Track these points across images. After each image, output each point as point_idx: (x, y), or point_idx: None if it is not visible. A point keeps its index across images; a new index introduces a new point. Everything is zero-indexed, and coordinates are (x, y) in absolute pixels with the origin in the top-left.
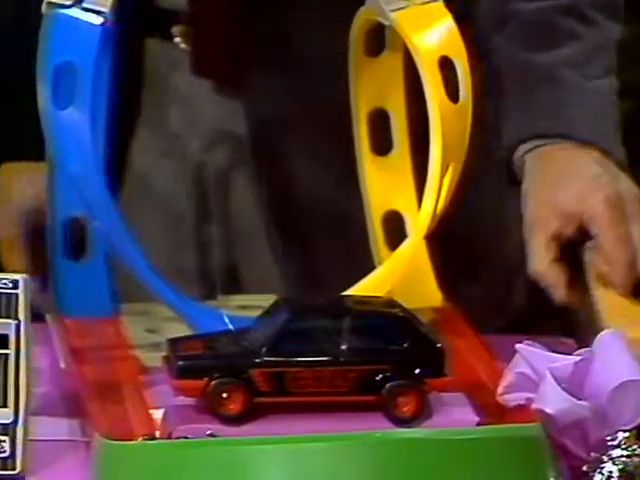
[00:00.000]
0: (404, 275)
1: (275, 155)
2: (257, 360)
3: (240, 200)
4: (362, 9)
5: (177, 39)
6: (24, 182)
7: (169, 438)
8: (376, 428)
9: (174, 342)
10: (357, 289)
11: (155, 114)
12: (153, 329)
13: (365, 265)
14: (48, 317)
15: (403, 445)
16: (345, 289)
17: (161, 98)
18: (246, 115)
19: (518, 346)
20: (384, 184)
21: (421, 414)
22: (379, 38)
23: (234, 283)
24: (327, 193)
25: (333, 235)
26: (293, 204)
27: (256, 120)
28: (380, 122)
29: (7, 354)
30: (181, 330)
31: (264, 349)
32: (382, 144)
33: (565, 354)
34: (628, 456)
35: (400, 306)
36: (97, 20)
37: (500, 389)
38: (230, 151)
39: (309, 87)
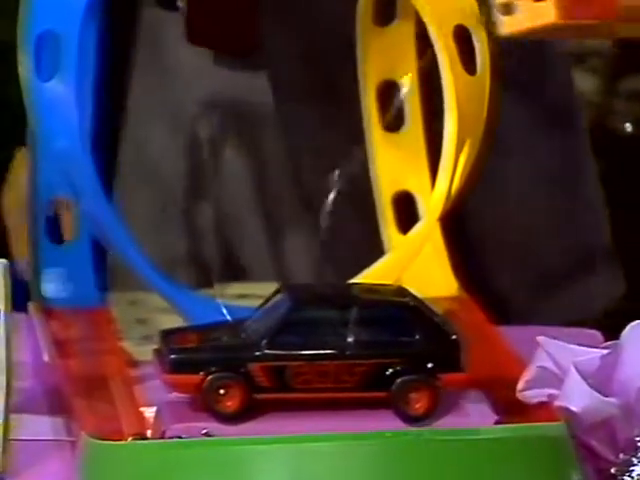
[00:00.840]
0: (416, 261)
1: (279, 124)
2: (257, 353)
3: (236, 176)
4: None
5: (179, 3)
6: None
7: (161, 438)
8: (385, 427)
9: (166, 334)
10: (365, 276)
11: (151, 84)
12: (144, 320)
13: (376, 249)
14: (30, 306)
15: (414, 446)
16: (352, 276)
17: (157, 68)
18: (249, 84)
19: (540, 338)
20: (394, 162)
21: (434, 412)
22: (389, 6)
23: (232, 270)
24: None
25: (345, 213)
26: (300, 178)
27: (264, 88)
28: (390, 96)
29: None
30: (174, 321)
31: (264, 341)
32: (393, 119)
33: (591, 347)
34: None
35: (411, 295)
36: None
37: (520, 385)
38: (226, 122)
39: (317, 54)
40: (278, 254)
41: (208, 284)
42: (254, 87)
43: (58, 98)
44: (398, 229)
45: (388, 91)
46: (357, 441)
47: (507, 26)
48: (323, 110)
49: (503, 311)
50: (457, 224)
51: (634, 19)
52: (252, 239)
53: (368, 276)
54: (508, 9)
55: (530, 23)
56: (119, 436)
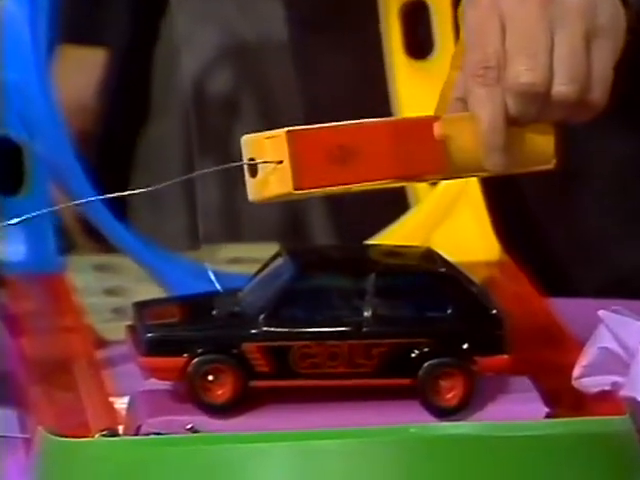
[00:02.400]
0: (448, 218)
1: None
2: (253, 331)
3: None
4: None
5: None
6: (77, 70)
7: (136, 434)
8: (410, 422)
9: (142, 307)
10: (386, 236)
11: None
12: (114, 290)
13: (399, 202)
14: None
15: (447, 444)
16: (370, 236)
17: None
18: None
19: (602, 313)
20: (420, 94)
21: (470, 403)
22: None
23: (224, 227)
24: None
25: None
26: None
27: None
28: (417, 17)
29: None
30: (151, 291)
31: (262, 316)
32: (419, 44)
33: None
34: None
35: (443, 259)
36: None
37: (577, 371)
38: (233, 53)
39: None
40: (280, 206)
41: (194, 245)
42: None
43: (9, 20)
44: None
45: (414, 12)
46: (376, 439)
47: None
48: (333, 36)
49: (554, 280)
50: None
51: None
52: None
53: (390, 236)
54: (253, 170)
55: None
56: (84, 432)
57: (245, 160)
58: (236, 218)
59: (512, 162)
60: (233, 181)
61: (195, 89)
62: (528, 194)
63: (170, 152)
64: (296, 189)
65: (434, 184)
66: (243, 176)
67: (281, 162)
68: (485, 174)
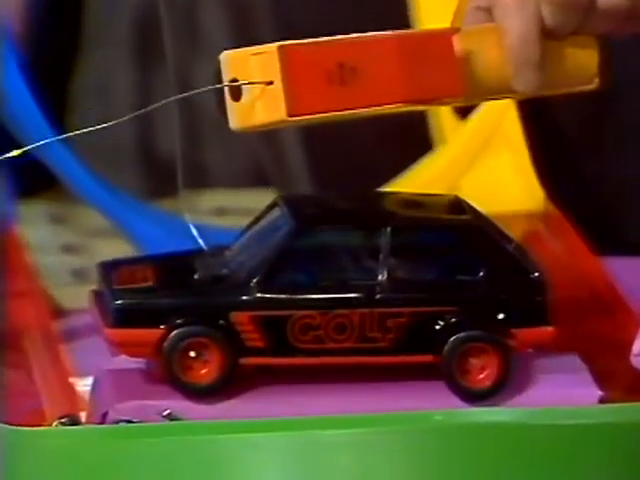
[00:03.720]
0: (480, 160)
1: None
2: (244, 298)
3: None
4: None
5: None
6: None
7: (102, 422)
8: (434, 408)
9: (109, 268)
10: (405, 182)
11: None
12: (74, 246)
13: (418, 141)
14: None
15: (478, 434)
16: (385, 182)
17: None
18: None
19: None
20: (438, 4)
21: (506, 384)
22: None
23: (205, 172)
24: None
25: None
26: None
27: None
28: None
29: None
30: (119, 249)
31: (255, 280)
32: None
33: None
34: None
35: (474, 210)
36: None
37: (636, 346)
38: None
39: None
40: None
41: (170, 191)
42: None
43: None
44: (454, 111)
45: None
46: (392, 428)
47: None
48: None
49: (609, 236)
50: (546, 116)
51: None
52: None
53: (409, 181)
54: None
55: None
56: (38, 419)
57: (226, 81)
58: (223, 161)
59: (546, 81)
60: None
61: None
62: (575, 134)
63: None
64: (290, 115)
65: (463, 117)
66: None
67: (271, 83)
68: (514, 96)
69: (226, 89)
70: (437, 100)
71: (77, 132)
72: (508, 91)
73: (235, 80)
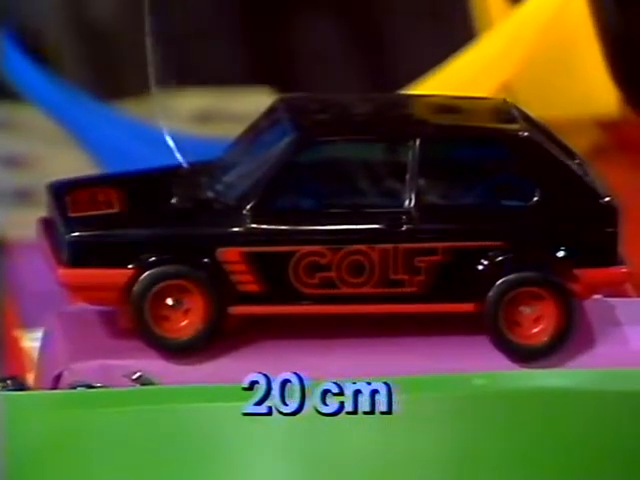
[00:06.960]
0: (538, 54)
1: None
2: (234, 229)
3: None
4: None
5: None
6: None
7: (55, 387)
8: (476, 368)
9: (62, 190)
10: (437, 80)
11: None
12: (17, 159)
13: (455, 25)
14: None
15: (530, 401)
16: (412, 80)
17: None
18: None
19: None
20: None
21: (567, 340)
22: None
23: (184, 66)
24: None
25: None
26: None
27: None
28: None
29: None
30: (74, 165)
31: (249, 206)
32: None
33: None
34: None
35: (526, 117)
36: None
37: None
38: None
39: None
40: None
41: (141, 88)
42: None
43: None
44: None
45: None
46: (422, 394)
47: None
48: None
49: None
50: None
51: None
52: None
53: (443, 80)
54: None
55: None
56: None
57: None
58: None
59: None
60: None
61: None
62: None
63: None
64: None
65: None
66: None
67: None
68: None
69: None
70: None
71: None
72: None
73: None
